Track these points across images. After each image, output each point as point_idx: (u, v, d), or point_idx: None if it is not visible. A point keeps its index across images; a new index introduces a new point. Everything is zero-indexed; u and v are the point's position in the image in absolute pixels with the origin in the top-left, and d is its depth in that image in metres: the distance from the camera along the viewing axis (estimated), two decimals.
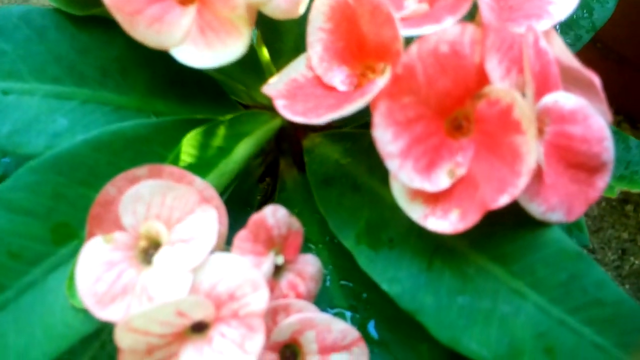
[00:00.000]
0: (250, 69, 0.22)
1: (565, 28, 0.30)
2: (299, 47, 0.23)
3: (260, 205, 0.27)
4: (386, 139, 0.17)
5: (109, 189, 0.18)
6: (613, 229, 0.63)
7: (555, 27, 0.21)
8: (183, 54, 0.18)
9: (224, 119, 0.22)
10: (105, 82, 0.22)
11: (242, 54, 0.18)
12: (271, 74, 0.22)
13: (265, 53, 0.22)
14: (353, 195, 0.21)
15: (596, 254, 0.63)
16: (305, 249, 0.21)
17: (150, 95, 0.22)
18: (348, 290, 0.22)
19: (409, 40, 0.17)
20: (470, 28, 0.16)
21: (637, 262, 0.62)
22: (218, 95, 0.24)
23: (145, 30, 0.18)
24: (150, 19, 0.17)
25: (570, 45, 0.30)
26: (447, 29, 0.16)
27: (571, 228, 0.26)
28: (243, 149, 0.22)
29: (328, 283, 0.22)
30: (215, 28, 0.17)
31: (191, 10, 0.18)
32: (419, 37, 0.17)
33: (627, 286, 0.61)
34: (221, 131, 0.22)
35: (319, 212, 0.22)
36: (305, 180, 0.23)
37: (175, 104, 0.23)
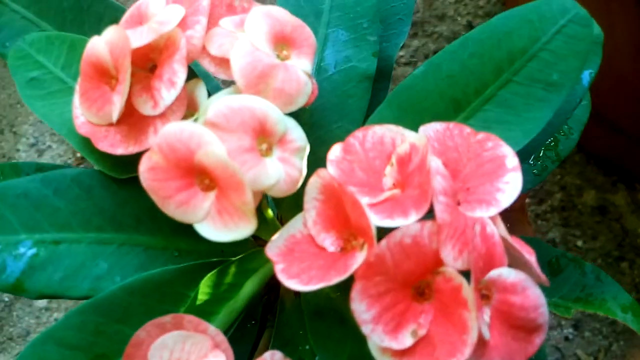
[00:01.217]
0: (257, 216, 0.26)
1: (533, 159, 0.35)
2: (298, 197, 0.28)
3: (263, 316, 0.31)
4: (361, 309, 0.21)
5: (140, 333, 0.23)
6: None
7: (526, 159, 0.26)
8: (204, 229, 0.22)
9: (234, 260, 0.27)
10: (139, 228, 0.26)
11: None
12: (274, 225, 0.27)
13: (269, 212, 0.26)
14: (339, 329, 0.25)
15: None
16: None
17: (174, 235, 0.27)
18: None
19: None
20: (428, 224, 0.21)
21: None
22: None
23: (175, 210, 0.22)
24: (179, 203, 0.22)
25: (537, 175, 0.34)
26: (411, 225, 0.21)
27: None
28: (250, 286, 0.26)
29: None
30: (231, 213, 0.22)
31: (211, 196, 0.22)
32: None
33: (621, 342, 0.64)
34: (232, 269, 0.26)
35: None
36: (300, 303, 0.28)
37: (194, 241, 0.28)
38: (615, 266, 0.67)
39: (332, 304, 0.26)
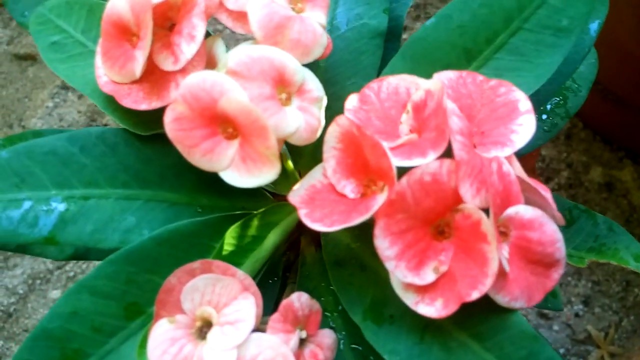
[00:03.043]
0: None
1: (543, 116, 0.35)
2: (316, 150, 0.29)
3: (284, 271, 0.32)
4: (384, 246, 0.22)
5: (171, 279, 0.23)
6: None
7: (536, 116, 0.26)
8: (229, 177, 0.23)
9: (257, 212, 0.27)
10: (163, 184, 0.27)
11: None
12: (294, 177, 0.27)
13: (289, 164, 0.27)
14: (361, 275, 0.26)
15: (601, 286, 0.66)
16: (322, 316, 0.26)
17: (197, 192, 0.28)
18: (357, 352, 0.27)
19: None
20: (447, 162, 0.22)
21: None
22: (250, 190, 0.29)
23: (200, 158, 0.23)
24: (204, 151, 0.23)
25: (546, 131, 0.35)
26: (430, 163, 0.22)
27: (547, 296, 0.30)
28: (273, 237, 0.27)
29: (342, 347, 0.27)
30: (254, 158, 0.23)
31: (235, 143, 0.23)
32: (409, 168, 0.22)
33: (631, 317, 0.64)
34: (255, 222, 0.27)
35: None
36: (322, 257, 0.28)
37: (216, 197, 0.28)
38: None
39: (353, 254, 0.27)
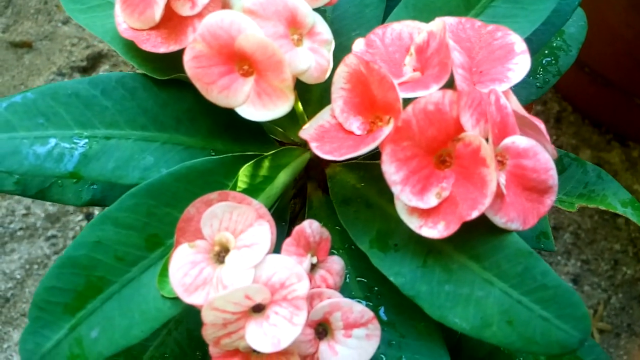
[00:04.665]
0: (287, 116, 0.28)
1: (536, 73, 0.37)
2: (323, 97, 0.30)
3: (291, 220, 0.34)
4: (391, 171, 0.23)
5: (190, 209, 0.25)
6: (605, 240, 0.69)
7: (528, 74, 0.28)
8: (245, 112, 0.25)
9: (267, 154, 0.29)
10: (179, 128, 0.29)
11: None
12: (303, 120, 0.29)
13: (299, 106, 0.29)
14: (367, 212, 0.28)
15: (590, 265, 0.68)
16: (330, 254, 0.27)
17: (211, 137, 0.29)
18: (363, 284, 0.28)
19: (407, 99, 0.24)
20: (449, 93, 0.23)
21: (629, 271, 0.68)
22: (261, 135, 0.31)
23: (218, 95, 0.25)
24: (221, 87, 0.25)
25: (539, 87, 0.37)
26: (433, 94, 0.23)
27: (539, 237, 0.32)
28: (283, 177, 0.28)
29: (348, 279, 0.28)
30: (269, 93, 0.24)
31: (250, 80, 0.25)
32: (413, 99, 0.24)
33: (620, 295, 0.67)
34: (266, 163, 0.29)
35: (339, 225, 0.28)
36: (328, 200, 0.30)
37: (229, 142, 0.30)
38: (611, 222, 0.69)
39: (359, 193, 0.29)
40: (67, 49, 0.77)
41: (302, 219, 0.33)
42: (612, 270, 0.68)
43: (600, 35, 0.57)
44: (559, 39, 0.37)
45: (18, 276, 0.64)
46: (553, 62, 0.37)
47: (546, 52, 0.37)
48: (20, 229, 0.66)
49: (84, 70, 0.76)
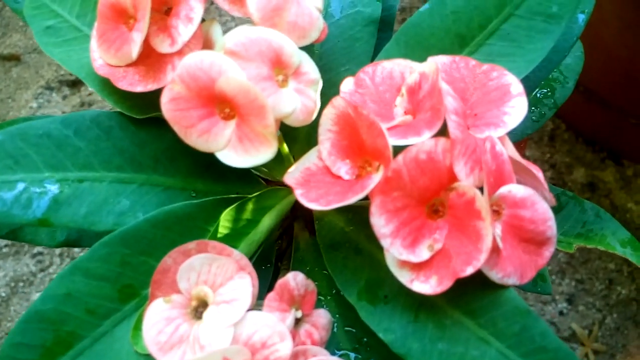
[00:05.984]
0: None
1: (531, 106, 0.36)
2: (311, 135, 0.29)
3: (277, 260, 0.32)
4: (380, 223, 0.22)
5: (167, 260, 0.23)
6: (600, 260, 0.68)
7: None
8: (225, 157, 0.23)
9: (251, 196, 0.27)
10: (157, 168, 0.27)
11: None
12: (289, 161, 0.28)
13: (284, 147, 0.27)
14: (355, 258, 0.26)
15: (584, 284, 0.67)
16: (317, 300, 0.26)
17: (192, 177, 0.28)
18: (351, 335, 0.27)
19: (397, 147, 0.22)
20: (442, 141, 0.22)
21: (623, 291, 0.67)
22: (244, 174, 0.29)
23: (197, 139, 0.23)
24: (201, 131, 0.23)
25: (535, 121, 0.35)
26: (425, 142, 0.22)
27: (536, 280, 0.31)
28: (267, 221, 0.27)
29: (335, 329, 0.27)
30: (251, 138, 0.23)
31: (232, 124, 0.23)
32: (404, 147, 0.22)
33: (614, 315, 0.65)
34: (249, 206, 0.27)
35: (327, 270, 0.27)
36: (315, 242, 0.29)
37: (211, 182, 0.28)
38: None
39: (347, 237, 0.27)
40: (55, 62, 0.75)
41: (289, 260, 0.31)
42: (606, 290, 0.67)
43: (595, 54, 0.56)
44: (555, 70, 0.36)
45: (3, 294, 0.62)
46: (549, 94, 0.36)
47: (542, 83, 0.36)
48: (6, 245, 0.65)
49: (73, 85, 0.75)
